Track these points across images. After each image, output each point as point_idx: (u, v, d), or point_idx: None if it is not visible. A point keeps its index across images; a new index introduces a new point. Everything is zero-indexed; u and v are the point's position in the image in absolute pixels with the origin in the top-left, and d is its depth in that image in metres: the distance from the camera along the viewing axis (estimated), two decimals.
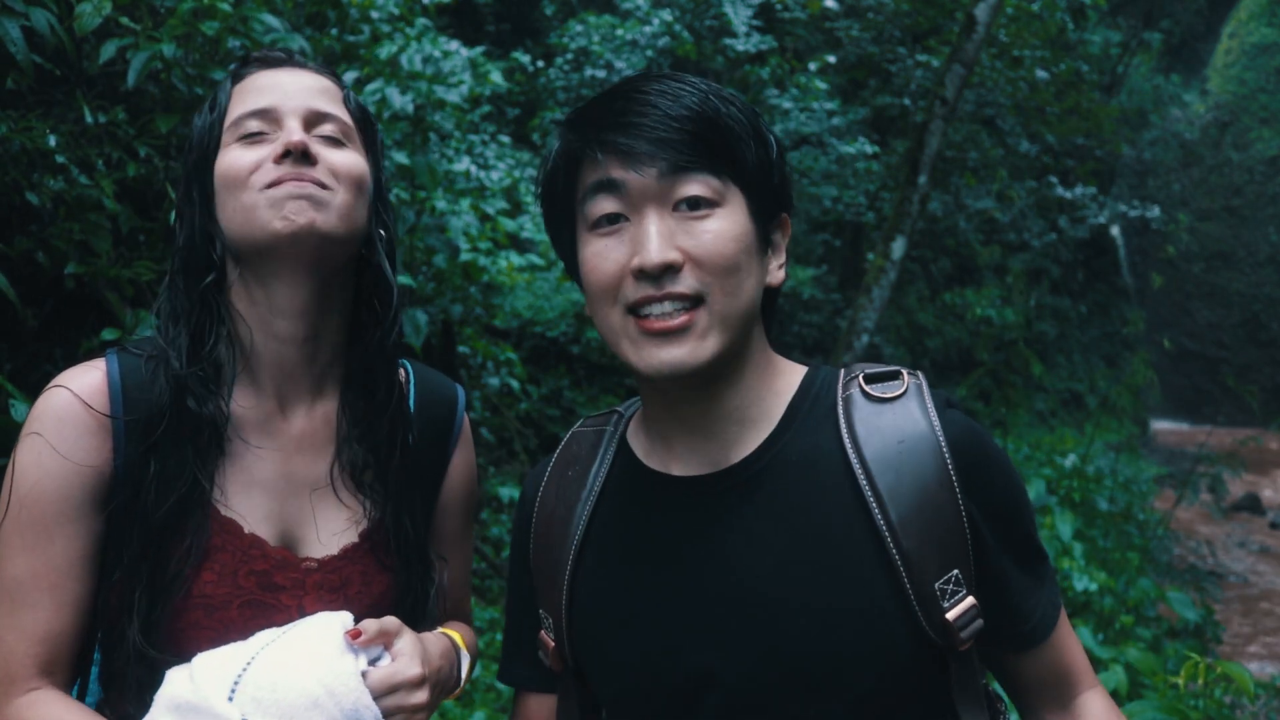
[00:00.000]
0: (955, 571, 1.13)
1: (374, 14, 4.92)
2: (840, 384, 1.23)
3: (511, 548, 1.40)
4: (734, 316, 1.14)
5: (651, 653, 1.20)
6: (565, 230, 1.22)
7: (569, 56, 12.05)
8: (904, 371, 1.22)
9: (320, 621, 1.21)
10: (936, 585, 1.12)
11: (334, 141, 1.33)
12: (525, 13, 14.24)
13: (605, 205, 1.14)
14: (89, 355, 1.32)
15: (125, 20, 2.95)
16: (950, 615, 1.12)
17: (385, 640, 1.23)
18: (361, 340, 1.37)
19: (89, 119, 2.94)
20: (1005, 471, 1.20)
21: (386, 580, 1.35)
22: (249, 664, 1.13)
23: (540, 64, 12.08)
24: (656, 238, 1.10)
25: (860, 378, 1.22)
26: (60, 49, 2.80)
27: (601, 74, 11.73)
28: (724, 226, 1.12)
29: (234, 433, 1.30)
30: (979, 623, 1.14)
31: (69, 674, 1.26)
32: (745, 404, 1.21)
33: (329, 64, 1.44)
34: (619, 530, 1.26)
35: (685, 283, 1.11)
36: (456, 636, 1.41)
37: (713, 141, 1.13)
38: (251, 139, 1.29)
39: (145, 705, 1.18)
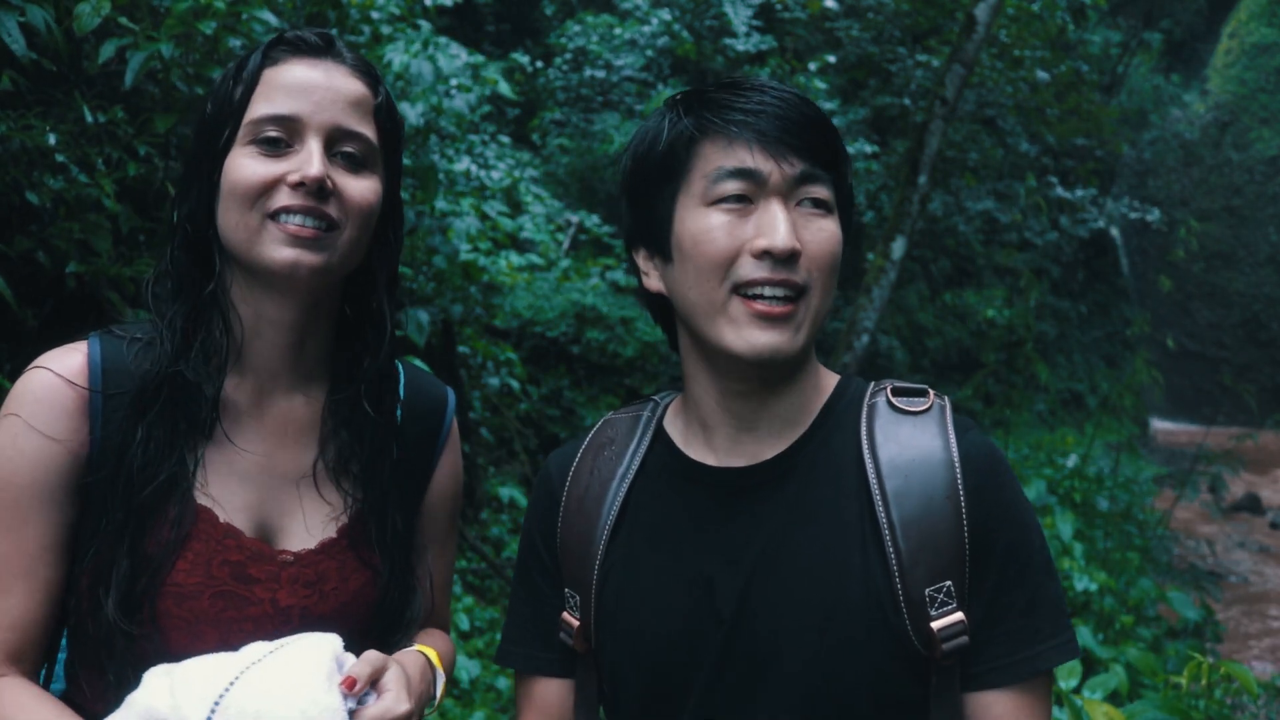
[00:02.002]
0: (948, 583, 1.15)
1: (374, 14, 4.92)
2: (869, 392, 1.28)
3: (526, 531, 1.39)
4: (821, 315, 1.22)
5: (663, 628, 1.24)
6: (659, 200, 1.23)
7: (568, 56, 12.06)
8: (931, 391, 1.27)
9: (309, 645, 1.19)
10: (927, 591, 1.14)
11: (354, 164, 1.27)
12: (525, 13, 14.23)
13: (733, 187, 1.18)
14: None
15: (124, 20, 2.95)
16: (936, 625, 1.14)
17: (375, 679, 1.20)
18: (352, 342, 1.37)
19: (88, 119, 2.94)
20: (1015, 501, 1.21)
21: (365, 577, 1.34)
22: (231, 685, 1.11)
23: (540, 64, 12.08)
24: (786, 223, 1.16)
25: (888, 389, 1.28)
26: (59, 48, 2.79)
27: (601, 74, 11.74)
28: (834, 229, 1.22)
29: (219, 420, 1.28)
30: (964, 639, 1.14)
31: (37, 662, 1.24)
32: (794, 405, 1.27)
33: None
34: (652, 512, 1.29)
35: (799, 274, 1.17)
36: (431, 653, 1.38)
37: (837, 153, 1.23)
38: (268, 148, 1.23)
39: (115, 698, 1.14)
